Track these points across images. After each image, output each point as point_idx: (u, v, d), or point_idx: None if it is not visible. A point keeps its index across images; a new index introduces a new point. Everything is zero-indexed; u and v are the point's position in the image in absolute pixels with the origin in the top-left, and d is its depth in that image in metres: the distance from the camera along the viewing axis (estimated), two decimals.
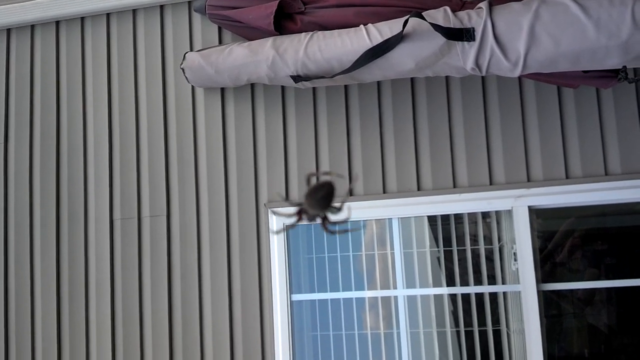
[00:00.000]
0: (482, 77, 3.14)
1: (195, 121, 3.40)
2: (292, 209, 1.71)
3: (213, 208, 3.33)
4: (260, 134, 3.33)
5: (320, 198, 1.63)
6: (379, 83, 3.23)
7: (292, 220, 1.68)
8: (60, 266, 3.45)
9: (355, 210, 3.19)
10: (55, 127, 3.55)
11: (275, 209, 3.23)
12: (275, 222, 3.23)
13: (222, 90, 3.38)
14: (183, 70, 3.28)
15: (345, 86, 3.25)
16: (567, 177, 3.02)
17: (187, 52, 3.29)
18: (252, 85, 3.35)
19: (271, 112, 3.33)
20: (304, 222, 1.69)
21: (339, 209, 1.66)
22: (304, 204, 1.66)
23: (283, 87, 3.32)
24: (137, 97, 3.48)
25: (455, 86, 3.18)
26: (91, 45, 3.57)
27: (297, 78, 3.01)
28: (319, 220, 1.69)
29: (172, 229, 3.36)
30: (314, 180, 1.70)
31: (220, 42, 3.39)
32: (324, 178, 1.69)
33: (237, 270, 3.26)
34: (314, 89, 3.28)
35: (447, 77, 3.18)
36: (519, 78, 3.09)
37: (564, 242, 3.25)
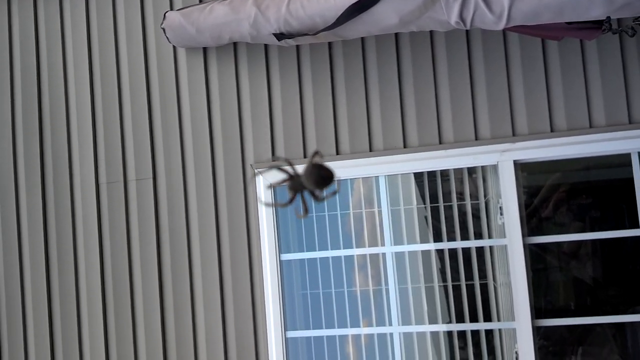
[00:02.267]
0: (467, 32, 3.12)
1: (178, 82, 3.37)
2: (284, 176, 1.73)
3: (199, 170, 3.32)
4: (245, 93, 3.31)
5: (322, 176, 1.66)
6: (363, 39, 3.20)
7: (286, 196, 1.72)
8: (48, 232, 3.44)
9: (342, 169, 3.19)
10: (37, 91, 3.50)
11: (262, 169, 3.22)
12: (262, 182, 3.23)
13: (205, 50, 3.34)
14: (164, 30, 3.23)
15: (329, 43, 3.22)
16: (552, 131, 3.03)
17: (167, 12, 3.24)
18: (235, 44, 3.31)
19: (255, 71, 3.30)
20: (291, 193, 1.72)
21: (330, 192, 1.70)
22: (302, 176, 1.67)
23: (266, 46, 3.28)
24: (118, 58, 3.44)
25: (439, 41, 3.15)
26: (70, 7, 3.50)
27: (280, 36, 2.98)
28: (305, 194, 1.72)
29: (158, 192, 3.35)
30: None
31: (201, 0, 3.34)
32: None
33: (226, 231, 3.27)
34: (297, 46, 3.24)
35: (431, 33, 3.15)
36: (503, 32, 3.07)
37: (549, 196, 3.27)
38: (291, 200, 1.73)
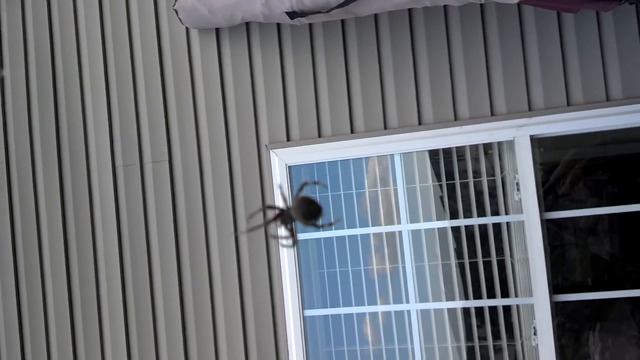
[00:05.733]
0: (481, 6, 3.09)
1: (192, 63, 3.37)
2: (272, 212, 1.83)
3: (214, 151, 3.32)
4: (258, 73, 3.30)
5: (311, 210, 1.76)
6: (376, 16, 3.18)
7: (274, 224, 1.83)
8: (66, 215, 3.47)
9: (357, 148, 3.19)
10: (52, 75, 3.52)
11: (276, 150, 3.23)
12: (277, 163, 3.24)
13: (217, 30, 3.34)
14: (176, 11, 3.22)
15: (342, 21, 3.20)
16: (568, 105, 3.01)
17: None
18: (247, 24, 3.30)
19: (268, 51, 3.29)
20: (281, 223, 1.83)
21: (318, 226, 1.81)
22: (292, 207, 1.77)
23: (279, 25, 3.27)
24: (132, 41, 3.44)
25: (454, 17, 3.13)
26: None
27: (292, 14, 2.96)
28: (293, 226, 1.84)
29: (174, 174, 3.36)
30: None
31: None
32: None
33: (242, 211, 3.28)
34: (310, 25, 3.23)
35: (445, 8, 3.13)
36: (518, 5, 3.04)
37: (565, 173, 3.25)
38: (293, 240, 1.82)
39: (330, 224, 1.86)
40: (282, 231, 1.84)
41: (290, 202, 1.78)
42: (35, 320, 3.47)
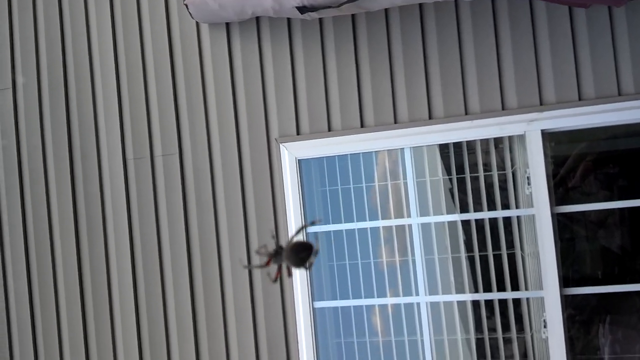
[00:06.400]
0: (492, 0, 3.07)
1: (202, 58, 3.37)
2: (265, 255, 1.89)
3: (224, 145, 3.33)
4: (268, 68, 3.30)
5: (300, 258, 1.85)
6: (386, 11, 3.17)
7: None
8: (77, 208, 3.50)
9: (367, 142, 3.19)
10: (62, 68, 3.53)
11: (286, 144, 3.24)
12: (287, 157, 3.24)
13: (227, 25, 3.33)
14: (187, 6, 3.22)
15: (353, 15, 3.19)
16: (580, 99, 2.99)
17: None
18: (258, 19, 3.30)
19: (278, 45, 3.28)
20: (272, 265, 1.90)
21: (309, 266, 1.89)
22: (284, 254, 1.86)
23: (289, 20, 3.26)
24: (142, 35, 3.44)
25: (464, 11, 3.11)
26: None
27: (303, 9, 2.96)
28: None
29: (185, 168, 3.38)
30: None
31: None
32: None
33: (252, 204, 3.30)
34: (320, 20, 3.22)
35: (456, 2, 3.11)
36: (530, 0, 3.02)
37: (576, 166, 3.24)
38: (267, 264, 1.91)
39: (309, 266, 1.94)
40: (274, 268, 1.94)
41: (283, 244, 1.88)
42: (47, 310, 3.51)
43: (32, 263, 3.54)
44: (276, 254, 1.87)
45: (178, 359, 3.36)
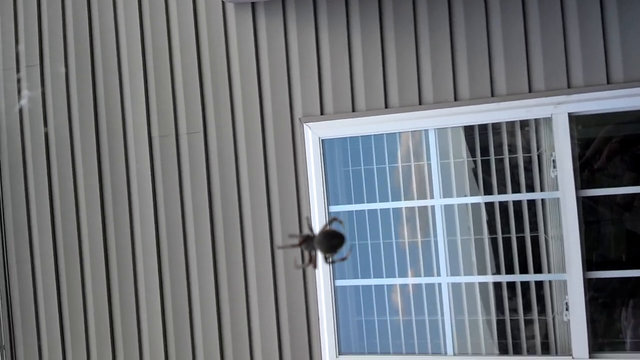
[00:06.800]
0: None
1: (227, 37, 3.36)
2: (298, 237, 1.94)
3: (248, 124, 3.34)
4: (293, 47, 3.29)
5: (332, 245, 1.89)
6: None
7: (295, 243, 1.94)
8: (103, 184, 3.54)
9: (391, 123, 3.18)
10: (89, 47, 3.55)
11: (310, 124, 3.23)
12: (310, 137, 3.24)
13: (253, 4, 3.31)
14: None
15: None
16: (608, 82, 2.94)
17: None
18: None
19: (303, 24, 3.26)
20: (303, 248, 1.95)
21: (340, 257, 1.94)
22: (316, 239, 1.89)
23: None
24: (168, 15, 3.44)
25: None
26: None
27: None
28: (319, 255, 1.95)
29: (209, 146, 3.39)
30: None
31: None
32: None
33: (275, 182, 3.31)
34: None
35: None
36: None
37: (602, 148, 3.20)
38: (313, 265, 1.96)
39: (343, 259, 1.95)
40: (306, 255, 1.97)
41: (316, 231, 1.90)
42: (73, 287, 3.58)
43: (58, 239, 3.60)
44: (308, 239, 1.88)
45: (200, 331, 3.40)
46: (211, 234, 3.39)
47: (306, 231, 1.97)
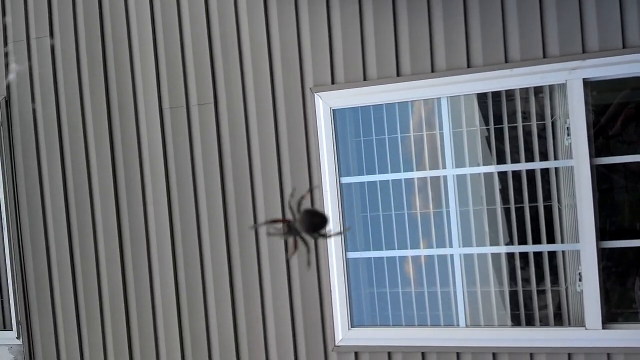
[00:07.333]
0: None
1: (237, 5, 3.33)
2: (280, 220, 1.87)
3: (259, 94, 3.32)
4: (303, 16, 3.25)
5: (314, 223, 1.79)
6: None
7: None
8: (115, 156, 3.54)
9: (403, 92, 3.15)
10: (99, 19, 3.53)
11: (321, 94, 3.21)
12: (321, 106, 3.22)
13: None
14: None
15: None
16: (624, 47, 2.89)
17: None
18: None
19: None
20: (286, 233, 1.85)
21: (323, 236, 1.83)
22: (298, 221, 1.81)
23: None
24: None
25: None
26: None
27: None
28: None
29: (220, 117, 3.38)
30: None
31: None
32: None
33: (286, 154, 3.30)
34: None
35: None
36: None
37: (617, 114, 3.17)
38: (293, 251, 1.85)
39: (339, 233, 1.87)
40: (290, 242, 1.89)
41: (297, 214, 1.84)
42: (87, 263, 3.60)
43: (71, 213, 3.61)
44: (290, 225, 1.83)
45: (213, 301, 3.42)
46: (223, 204, 3.39)
47: (288, 215, 1.89)
